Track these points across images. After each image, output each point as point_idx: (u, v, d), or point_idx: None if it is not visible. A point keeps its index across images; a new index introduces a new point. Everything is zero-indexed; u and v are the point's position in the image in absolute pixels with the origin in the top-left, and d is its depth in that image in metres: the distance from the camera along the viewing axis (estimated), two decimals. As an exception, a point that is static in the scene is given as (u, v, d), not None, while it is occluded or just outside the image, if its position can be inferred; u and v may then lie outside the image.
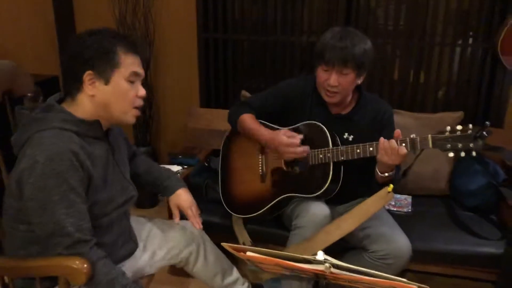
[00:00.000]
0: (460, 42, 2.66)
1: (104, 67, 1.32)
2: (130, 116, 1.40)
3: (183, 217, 1.74)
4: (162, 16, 2.97)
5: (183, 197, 1.72)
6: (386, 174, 1.74)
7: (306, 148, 1.83)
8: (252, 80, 3.05)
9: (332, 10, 2.76)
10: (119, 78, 1.34)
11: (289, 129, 1.92)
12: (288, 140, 1.83)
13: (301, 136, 1.84)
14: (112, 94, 1.35)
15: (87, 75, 1.32)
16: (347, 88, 1.83)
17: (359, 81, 1.86)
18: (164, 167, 1.82)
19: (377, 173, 1.76)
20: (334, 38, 1.78)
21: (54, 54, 3.16)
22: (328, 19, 2.79)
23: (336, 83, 1.79)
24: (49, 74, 3.01)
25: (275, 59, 2.92)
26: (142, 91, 1.40)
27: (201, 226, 1.72)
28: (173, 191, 1.72)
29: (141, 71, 1.40)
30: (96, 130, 1.38)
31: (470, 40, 2.65)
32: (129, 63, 1.36)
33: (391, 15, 2.71)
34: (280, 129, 1.94)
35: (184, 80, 3.08)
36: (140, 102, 1.41)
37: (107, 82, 1.33)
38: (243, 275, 1.95)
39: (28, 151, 1.25)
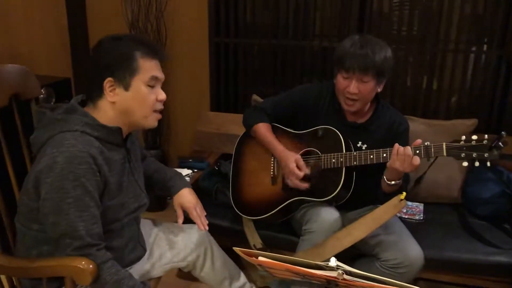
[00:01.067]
0: (474, 48, 2.63)
1: (124, 74, 1.33)
2: (151, 120, 1.41)
3: (190, 220, 1.73)
4: (174, 19, 2.98)
5: (187, 198, 1.69)
6: (393, 182, 1.72)
7: (306, 185, 1.84)
8: (262, 85, 3.04)
9: (345, 15, 2.75)
10: (138, 83, 1.35)
11: (304, 133, 1.94)
12: (294, 169, 1.83)
13: (307, 172, 1.85)
14: (133, 99, 1.35)
15: (107, 82, 1.33)
16: (367, 96, 1.82)
17: (379, 89, 1.85)
18: (171, 169, 1.82)
19: (384, 180, 1.74)
20: (354, 45, 1.77)
21: (67, 56, 3.19)
22: (340, 24, 2.78)
23: (356, 90, 1.78)
24: (61, 76, 3.03)
25: (286, 63, 2.92)
26: (162, 95, 1.40)
27: (207, 228, 1.69)
28: (176, 191, 1.70)
29: (160, 75, 1.40)
30: (116, 137, 1.38)
31: (485, 47, 2.63)
32: (148, 68, 1.36)
33: (405, 21, 2.69)
34: (295, 132, 1.96)
35: (194, 84, 3.08)
36: (160, 106, 1.42)
37: (127, 88, 1.34)
38: (250, 280, 1.94)
39: (48, 151, 1.26)
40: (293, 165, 1.84)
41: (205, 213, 1.71)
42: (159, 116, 1.43)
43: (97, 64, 1.34)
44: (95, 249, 1.28)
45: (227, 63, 3.04)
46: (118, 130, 1.38)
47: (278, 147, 1.93)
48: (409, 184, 1.82)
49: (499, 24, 2.54)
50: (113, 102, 1.35)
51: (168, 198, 3.11)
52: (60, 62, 3.18)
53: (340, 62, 1.79)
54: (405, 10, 2.68)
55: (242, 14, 2.95)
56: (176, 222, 1.70)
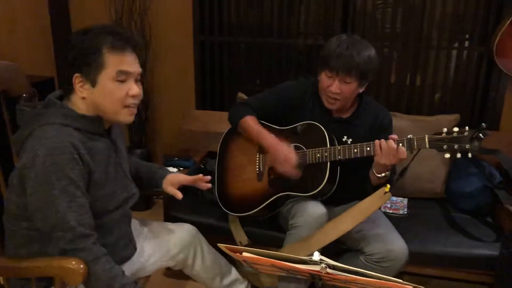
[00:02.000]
0: (456, 45, 2.67)
1: (89, 69, 1.29)
2: (124, 116, 1.36)
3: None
4: (158, 18, 2.96)
5: (174, 176, 1.71)
6: (383, 174, 1.74)
7: (298, 173, 1.84)
8: (248, 83, 3.05)
9: (329, 13, 2.76)
10: (105, 79, 1.30)
11: (288, 129, 1.95)
12: (290, 154, 1.83)
13: (298, 160, 1.84)
14: (100, 96, 1.31)
15: (76, 78, 1.31)
16: (348, 97, 1.85)
17: (361, 90, 1.87)
18: (153, 164, 1.82)
19: (373, 173, 1.76)
20: (340, 46, 1.78)
21: (50, 56, 3.15)
22: (325, 22, 2.80)
23: (338, 90, 1.80)
24: (44, 75, 3.00)
25: (272, 61, 2.93)
26: (133, 90, 1.34)
27: (210, 185, 1.71)
28: (162, 179, 1.71)
29: (131, 68, 1.33)
30: (97, 126, 1.37)
31: (466, 44, 2.66)
32: (116, 62, 1.30)
33: (388, 18, 2.72)
34: (279, 128, 1.97)
35: (180, 82, 3.07)
36: (131, 101, 1.35)
37: (94, 84, 1.31)
38: (244, 277, 1.94)
39: (29, 145, 1.25)
40: (288, 150, 1.84)
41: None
42: (133, 111, 1.37)
43: (65, 59, 1.31)
44: (90, 242, 1.27)
45: (212, 61, 3.03)
46: (98, 119, 1.36)
47: (267, 136, 1.91)
48: (395, 176, 1.84)
49: (480, 21, 2.57)
50: (84, 98, 1.33)
51: (154, 197, 3.12)
52: (44, 62, 3.15)
53: (325, 61, 1.80)
54: (388, 8, 2.70)
55: (226, 12, 2.95)
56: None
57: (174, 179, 1.71)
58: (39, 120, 1.29)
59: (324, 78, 1.84)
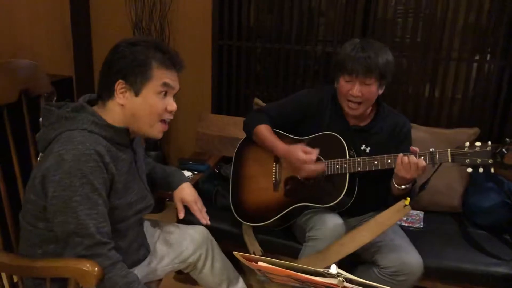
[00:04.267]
0: (477, 57, 2.63)
1: (136, 79, 1.32)
2: (156, 130, 1.39)
3: (192, 220, 1.71)
4: (178, 21, 2.97)
5: (186, 191, 1.69)
6: (403, 187, 1.72)
7: (322, 165, 1.81)
8: (264, 88, 3.04)
9: (349, 21, 2.75)
10: (149, 91, 1.34)
11: (306, 139, 1.92)
12: (304, 156, 1.81)
13: (317, 151, 1.82)
14: (141, 106, 1.34)
15: (118, 84, 1.32)
16: (370, 99, 1.82)
17: (381, 91, 1.85)
18: (170, 166, 1.81)
19: (394, 185, 1.74)
20: (356, 49, 1.77)
21: (69, 55, 3.18)
22: (344, 30, 2.78)
23: (359, 93, 1.78)
24: (63, 74, 3.03)
25: (289, 67, 2.91)
26: (172, 106, 1.39)
27: (208, 222, 1.68)
28: (176, 186, 1.70)
29: (173, 83, 1.38)
30: (123, 138, 1.38)
31: (488, 57, 2.63)
32: (162, 76, 1.34)
33: (408, 28, 2.69)
34: (297, 138, 1.94)
35: (196, 86, 3.07)
36: (169, 116, 1.40)
37: (137, 93, 1.33)
38: (249, 285, 1.93)
39: (55, 149, 1.25)
40: (301, 154, 1.82)
41: (205, 209, 1.71)
42: (165, 127, 1.41)
43: (111, 66, 1.34)
44: (106, 249, 1.27)
45: (230, 66, 3.03)
46: (125, 131, 1.38)
47: (280, 144, 1.91)
48: (416, 189, 1.82)
49: (502, 34, 2.54)
50: (122, 105, 1.34)
51: (167, 199, 3.12)
52: (63, 61, 3.18)
53: (343, 66, 1.79)
54: (409, 18, 2.68)
55: (246, 17, 2.95)
56: (177, 222, 1.69)
57: (184, 194, 1.69)
58: (68, 123, 1.30)
59: (343, 83, 1.82)
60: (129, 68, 1.32)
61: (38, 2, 3.08)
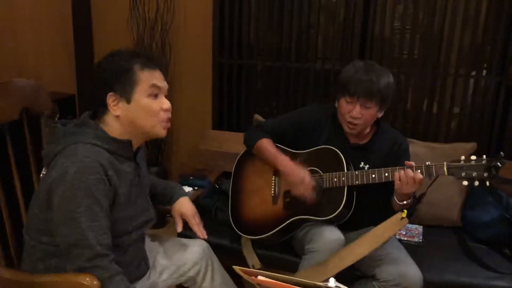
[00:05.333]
0: (473, 73, 2.67)
1: (124, 87, 1.35)
2: (159, 129, 1.41)
3: (192, 237, 1.73)
4: (179, 38, 3.02)
5: (186, 205, 1.71)
6: (405, 202, 1.75)
7: (314, 196, 1.85)
8: (264, 105, 3.07)
9: (347, 38, 2.79)
10: (140, 95, 1.36)
11: (305, 153, 1.96)
12: (307, 177, 1.85)
13: (314, 185, 1.86)
14: (136, 111, 1.37)
15: (110, 97, 1.35)
16: (368, 121, 1.86)
17: (380, 115, 1.89)
18: (170, 181, 1.83)
19: (396, 202, 1.77)
20: (359, 71, 1.81)
21: (72, 73, 3.23)
22: (343, 47, 2.82)
23: (359, 115, 1.81)
24: (66, 92, 3.07)
25: (289, 84, 2.95)
26: (166, 104, 1.41)
27: (206, 236, 1.69)
28: (175, 199, 1.72)
29: (161, 83, 1.41)
30: (127, 150, 1.40)
31: (484, 72, 2.66)
32: (147, 78, 1.37)
33: (406, 45, 2.73)
34: (295, 152, 1.98)
35: (197, 102, 3.11)
36: (166, 115, 1.42)
37: (129, 101, 1.36)
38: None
39: (59, 162, 1.28)
40: (304, 173, 1.85)
41: (203, 224, 1.72)
42: (167, 125, 1.43)
43: (98, 81, 1.37)
44: (106, 261, 1.29)
45: (230, 83, 3.07)
46: (129, 143, 1.40)
47: (284, 159, 1.93)
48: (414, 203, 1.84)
49: (499, 50, 2.58)
50: (118, 116, 1.37)
51: (168, 215, 3.12)
52: (66, 79, 3.22)
53: (345, 87, 1.83)
54: (406, 34, 2.72)
55: (246, 34, 3.00)
56: (176, 236, 1.70)
57: (183, 208, 1.70)
58: (72, 138, 1.33)
59: (344, 104, 1.85)
60: (114, 78, 1.35)
61: (42, 21, 3.13)
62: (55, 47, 3.21)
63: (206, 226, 1.73)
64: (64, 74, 3.23)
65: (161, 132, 1.42)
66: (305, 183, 1.84)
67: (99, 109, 1.39)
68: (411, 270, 1.78)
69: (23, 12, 3.03)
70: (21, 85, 1.58)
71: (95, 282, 1.24)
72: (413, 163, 1.69)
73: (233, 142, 2.78)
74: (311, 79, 2.91)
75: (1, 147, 1.55)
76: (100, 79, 1.36)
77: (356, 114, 1.81)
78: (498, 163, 1.54)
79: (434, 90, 2.72)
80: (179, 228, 1.69)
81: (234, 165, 2.19)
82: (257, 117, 2.72)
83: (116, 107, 1.36)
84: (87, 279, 1.25)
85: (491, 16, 2.55)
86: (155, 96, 1.39)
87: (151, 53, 1.43)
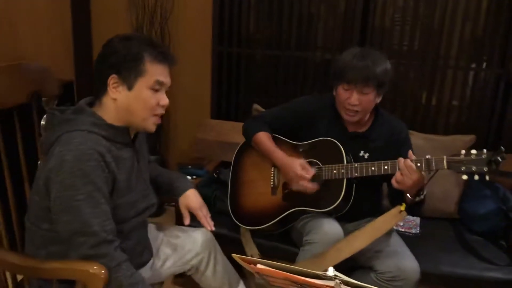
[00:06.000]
0: (473, 66, 2.67)
1: (129, 74, 1.34)
2: (150, 124, 1.41)
3: (194, 221, 1.73)
4: (178, 27, 3.01)
5: (192, 198, 1.70)
6: (417, 199, 1.74)
7: (314, 185, 1.85)
8: (263, 95, 3.07)
9: (348, 28, 2.78)
10: (142, 86, 1.35)
11: (304, 144, 1.96)
12: (301, 171, 1.84)
13: (314, 172, 1.85)
14: (134, 100, 1.36)
15: (111, 79, 1.34)
16: (367, 107, 1.85)
17: (378, 100, 1.87)
18: (175, 172, 1.82)
19: (407, 196, 1.74)
20: (355, 57, 1.79)
21: (70, 60, 3.20)
22: (343, 37, 2.81)
23: (357, 102, 1.80)
24: (64, 79, 3.05)
25: (288, 74, 2.95)
26: (164, 100, 1.40)
27: (213, 228, 1.70)
28: (182, 192, 1.71)
29: (166, 80, 1.40)
30: (124, 136, 1.40)
31: (484, 65, 2.66)
32: (155, 72, 1.36)
33: (406, 36, 2.73)
34: (295, 143, 1.97)
35: (196, 91, 3.10)
36: (161, 111, 1.41)
37: (130, 88, 1.35)
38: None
39: (57, 150, 1.28)
40: (299, 168, 1.85)
41: (210, 215, 1.72)
42: (158, 121, 1.43)
43: (104, 61, 1.35)
44: (111, 248, 1.28)
45: (229, 72, 3.06)
46: (125, 130, 1.40)
47: (279, 154, 1.94)
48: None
49: (499, 43, 2.57)
50: (115, 99, 1.36)
51: (166, 204, 3.13)
52: (64, 65, 3.20)
53: (341, 74, 1.81)
54: (406, 25, 2.72)
55: (245, 24, 2.98)
56: (179, 224, 1.70)
57: (189, 200, 1.70)
58: (69, 125, 1.32)
59: (342, 92, 1.85)
60: (122, 62, 1.33)
61: (40, 8, 3.10)
62: (53, 34, 3.18)
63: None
64: (62, 60, 3.21)
65: (151, 127, 1.42)
66: (301, 176, 1.84)
67: (99, 88, 1.38)
68: (409, 263, 1.79)
69: (21, 0, 3.00)
70: (30, 68, 1.58)
71: (103, 271, 1.23)
72: (413, 156, 1.69)
73: (231, 132, 2.77)
74: (310, 69, 2.90)
75: (9, 130, 1.54)
76: (108, 59, 1.35)
77: (354, 101, 1.80)
78: (499, 158, 1.53)
79: (433, 82, 2.72)
80: (187, 221, 1.69)
81: (234, 156, 2.19)
82: (256, 107, 2.72)
83: (115, 90, 1.35)
84: (95, 267, 1.23)
85: (492, 9, 2.55)
86: (156, 90, 1.38)
87: (166, 47, 1.40)
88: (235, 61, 3.03)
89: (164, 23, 2.96)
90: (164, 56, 1.39)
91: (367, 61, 1.77)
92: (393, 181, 1.69)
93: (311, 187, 1.84)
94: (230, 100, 3.13)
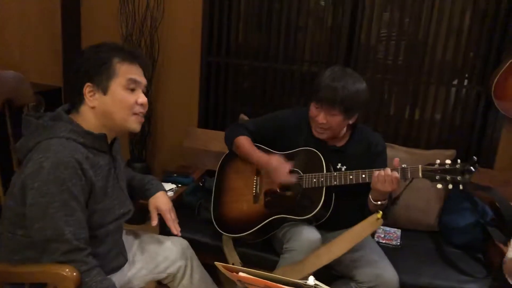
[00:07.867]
0: (455, 82, 2.73)
1: (101, 78, 1.36)
2: (132, 123, 1.42)
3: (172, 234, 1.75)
4: (168, 36, 3.03)
5: (162, 199, 1.72)
6: (379, 202, 1.79)
7: (294, 176, 1.89)
8: (250, 105, 3.10)
9: (334, 42, 2.83)
10: (116, 87, 1.37)
11: (285, 154, 2.00)
12: (279, 163, 1.88)
13: (291, 165, 1.90)
14: (111, 102, 1.38)
15: (86, 87, 1.37)
16: (336, 127, 1.90)
17: (350, 122, 1.93)
18: (148, 175, 1.84)
19: (370, 201, 1.80)
20: (329, 77, 1.84)
21: (58, 66, 3.21)
22: (330, 51, 2.87)
23: (324, 121, 1.86)
24: (52, 85, 3.05)
25: (275, 86, 2.98)
26: (142, 98, 1.42)
27: (179, 234, 1.72)
28: (152, 194, 1.73)
29: (139, 78, 1.42)
30: (102, 143, 1.41)
31: (465, 82, 2.73)
32: (126, 71, 1.38)
33: (391, 51, 2.79)
34: (276, 152, 2.01)
35: (184, 100, 3.12)
36: (140, 109, 1.42)
37: (105, 92, 1.37)
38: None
39: (34, 156, 1.29)
40: (276, 162, 1.90)
41: (178, 220, 1.74)
42: (141, 119, 1.44)
43: (78, 70, 1.38)
44: (83, 255, 1.30)
45: (217, 82, 3.09)
46: (103, 136, 1.41)
47: (258, 153, 1.98)
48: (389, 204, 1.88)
49: (480, 60, 2.64)
50: (93, 107, 1.38)
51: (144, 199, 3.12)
52: (52, 71, 3.20)
53: (315, 92, 1.87)
54: (392, 41, 2.78)
55: (234, 34, 3.02)
56: (163, 233, 1.71)
57: (159, 202, 1.72)
58: (47, 132, 1.33)
59: (313, 108, 1.90)
60: (93, 68, 1.36)
61: (29, 13, 3.11)
62: (42, 40, 3.19)
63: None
64: (51, 66, 3.21)
65: (134, 126, 1.43)
66: (281, 166, 1.88)
67: (76, 99, 1.40)
68: (388, 272, 1.83)
69: (10, 5, 3.01)
70: (3, 76, 1.57)
71: (75, 274, 1.26)
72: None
73: (218, 141, 2.79)
74: (297, 81, 2.94)
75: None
76: (79, 69, 1.38)
77: (321, 119, 1.86)
78: (472, 168, 1.60)
79: (416, 97, 2.77)
80: (154, 223, 1.70)
81: (219, 164, 2.21)
82: (243, 117, 2.75)
83: (92, 98, 1.37)
84: (67, 270, 1.26)
85: (474, 27, 2.62)
86: (132, 90, 1.40)
87: (135, 48, 1.43)
88: (224, 71, 3.06)
89: (153, 32, 2.98)
90: (134, 56, 1.41)
91: (337, 83, 1.81)
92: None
93: (291, 179, 1.89)
94: (217, 109, 3.15)
